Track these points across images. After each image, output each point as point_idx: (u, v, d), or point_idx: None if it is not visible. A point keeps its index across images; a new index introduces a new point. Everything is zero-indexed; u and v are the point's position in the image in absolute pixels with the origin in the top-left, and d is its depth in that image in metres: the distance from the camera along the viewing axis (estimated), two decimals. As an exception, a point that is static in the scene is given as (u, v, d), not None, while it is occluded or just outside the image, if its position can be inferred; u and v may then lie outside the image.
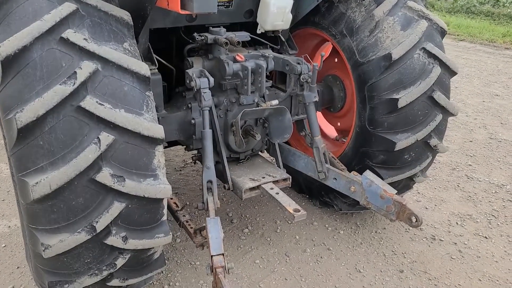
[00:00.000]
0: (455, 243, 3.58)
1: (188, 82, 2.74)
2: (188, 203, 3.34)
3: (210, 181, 2.73)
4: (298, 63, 2.95)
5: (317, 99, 3.08)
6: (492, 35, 11.60)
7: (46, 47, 1.97)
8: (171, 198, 3.05)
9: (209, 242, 2.40)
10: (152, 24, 2.83)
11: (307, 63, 2.96)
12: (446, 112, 3.11)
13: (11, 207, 3.85)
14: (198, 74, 2.72)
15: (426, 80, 2.93)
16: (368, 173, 2.95)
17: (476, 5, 14.61)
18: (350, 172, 3.16)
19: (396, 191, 2.84)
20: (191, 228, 2.82)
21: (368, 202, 2.90)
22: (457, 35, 11.86)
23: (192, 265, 3.24)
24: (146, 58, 2.88)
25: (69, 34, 2.00)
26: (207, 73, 2.73)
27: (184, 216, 2.94)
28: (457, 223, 3.85)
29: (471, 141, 5.54)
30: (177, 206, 3.02)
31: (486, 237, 3.67)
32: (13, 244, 3.40)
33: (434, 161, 4.84)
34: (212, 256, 2.32)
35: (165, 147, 3.17)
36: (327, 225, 3.75)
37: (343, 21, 3.18)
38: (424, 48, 2.96)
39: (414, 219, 2.68)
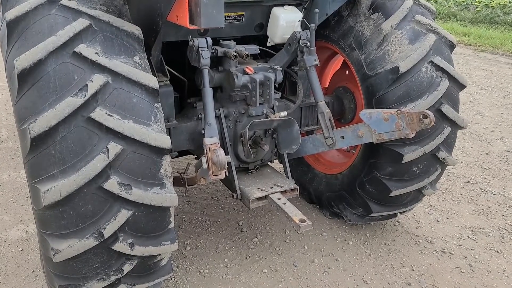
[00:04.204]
0: (466, 257, 3.54)
1: (189, 45, 2.82)
2: (189, 163, 3.42)
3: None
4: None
5: (317, 62, 3.11)
6: (514, 46, 11.42)
7: (60, 61, 2.07)
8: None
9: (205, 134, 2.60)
10: (164, 37, 2.93)
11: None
12: (455, 125, 3.10)
13: (29, 212, 3.98)
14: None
15: (434, 93, 2.94)
16: (364, 110, 2.96)
17: (500, 15, 14.35)
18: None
19: (396, 110, 2.82)
20: (194, 175, 2.85)
21: (379, 135, 2.87)
22: (478, 46, 11.71)
23: (200, 272, 3.29)
24: (159, 70, 2.97)
25: (82, 48, 2.10)
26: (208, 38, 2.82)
27: (188, 175, 3.04)
28: (468, 237, 3.81)
29: (487, 153, 5.47)
30: (180, 173, 3.14)
31: (498, 252, 3.62)
32: (29, 249, 3.51)
33: (448, 173, 4.85)
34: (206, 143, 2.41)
35: (176, 156, 3.25)
36: (336, 236, 3.76)
37: (352, 34, 3.22)
38: (432, 62, 2.97)
39: (424, 118, 2.62)
